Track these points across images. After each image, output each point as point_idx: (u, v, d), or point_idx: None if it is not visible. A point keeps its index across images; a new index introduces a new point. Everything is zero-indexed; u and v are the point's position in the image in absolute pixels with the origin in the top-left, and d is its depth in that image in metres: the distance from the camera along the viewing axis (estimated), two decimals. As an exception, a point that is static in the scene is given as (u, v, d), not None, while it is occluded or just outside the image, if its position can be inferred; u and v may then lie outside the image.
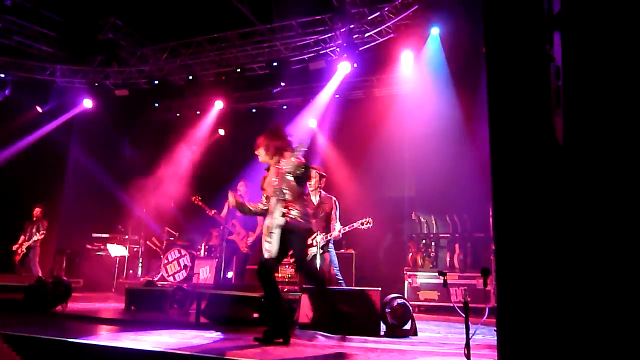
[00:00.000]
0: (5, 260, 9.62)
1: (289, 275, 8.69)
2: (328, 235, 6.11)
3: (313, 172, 6.11)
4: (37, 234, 9.30)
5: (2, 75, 10.77)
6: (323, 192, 6.33)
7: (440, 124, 8.07)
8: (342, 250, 8.64)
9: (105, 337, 4.02)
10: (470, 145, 7.44)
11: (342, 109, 10.92)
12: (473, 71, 7.26)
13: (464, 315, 3.20)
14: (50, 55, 10.91)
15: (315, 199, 6.27)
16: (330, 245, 6.23)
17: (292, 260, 6.70)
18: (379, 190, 10.29)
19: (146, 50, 11.03)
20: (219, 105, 11.73)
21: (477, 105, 7.45)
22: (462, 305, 3.25)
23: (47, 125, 11.59)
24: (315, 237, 6.07)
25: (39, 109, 11.55)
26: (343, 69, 9.68)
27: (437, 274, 7.31)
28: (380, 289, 4.95)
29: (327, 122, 11.05)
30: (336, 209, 6.23)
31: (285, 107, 11.75)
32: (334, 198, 6.31)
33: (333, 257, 6.24)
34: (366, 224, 6.03)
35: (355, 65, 9.34)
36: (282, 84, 10.13)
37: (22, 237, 9.38)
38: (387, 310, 4.90)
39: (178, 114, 12.73)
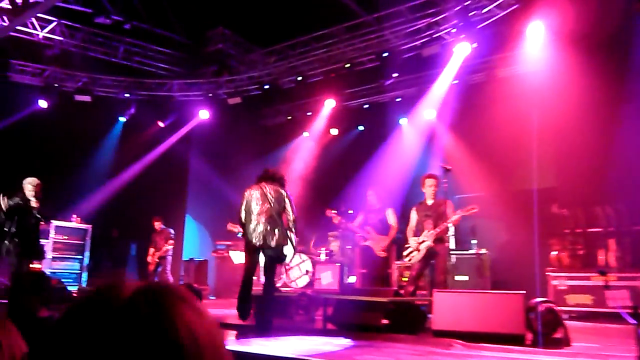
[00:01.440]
0: (138, 272, 10.47)
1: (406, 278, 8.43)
2: (435, 229, 6.14)
3: (429, 181, 6.35)
4: (166, 244, 9.94)
5: (127, 95, 11.74)
6: (438, 196, 6.41)
7: (581, 104, 7.23)
8: (473, 252, 8.12)
9: (235, 343, 4.09)
10: (622, 126, 6.55)
11: (462, 95, 10.33)
12: (623, 39, 6.37)
13: (633, 322, 2.72)
14: (167, 71, 11.69)
15: (429, 202, 6.38)
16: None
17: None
18: (508, 182, 9.57)
19: (254, 56, 11.35)
20: (330, 104, 11.72)
21: (630, 80, 6.54)
22: (628, 310, 2.77)
23: (169, 139, 12.45)
24: (425, 234, 6.19)
25: (161, 124, 12.45)
26: (460, 51, 9.13)
27: (591, 274, 6.55)
28: (524, 292, 4.50)
29: (446, 112, 10.53)
30: (451, 209, 6.24)
31: (399, 99, 11.41)
32: (448, 201, 6.34)
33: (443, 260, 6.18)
34: (471, 210, 5.96)
35: (474, 45, 8.74)
36: (395, 75, 9.81)
37: (151, 249, 10.09)
38: (532, 316, 4.48)
39: (289, 117, 12.95)
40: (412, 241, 6.37)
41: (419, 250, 6.27)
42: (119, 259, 10.69)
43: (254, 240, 5.24)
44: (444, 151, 10.31)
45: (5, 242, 6.30)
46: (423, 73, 10.67)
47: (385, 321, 5.18)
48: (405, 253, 6.48)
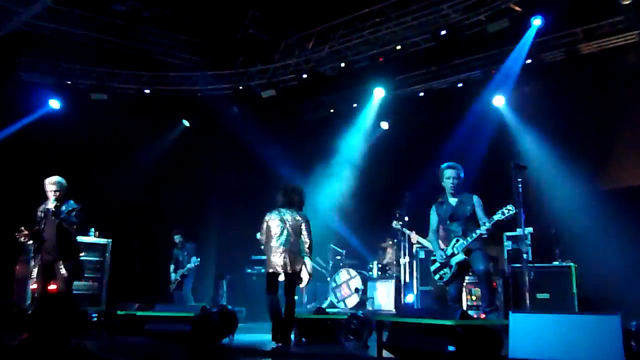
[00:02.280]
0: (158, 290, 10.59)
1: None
2: (468, 237, 6.00)
3: (449, 172, 6.24)
4: (191, 260, 10.01)
5: (147, 91, 11.96)
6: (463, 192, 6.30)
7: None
8: (557, 264, 7.81)
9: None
10: None
11: (536, 77, 10.03)
12: None
13: None
14: (191, 63, 11.85)
15: (453, 200, 6.24)
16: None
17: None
18: (598, 179, 9.20)
19: (290, 41, 11.35)
20: (378, 93, 11.59)
21: None
22: None
23: (194, 139, 12.61)
24: (454, 244, 6.12)
25: (186, 123, 12.61)
26: (533, 24, 8.88)
27: None
28: (620, 313, 4.27)
29: (518, 97, 10.23)
30: (480, 207, 6.09)
31: (460, 84, 11.16)
32: (474, 197, 6.18)
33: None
34: (507, 213, 5.79)
35: (550, 17, 8.47)
36: (455, 56, 9.63)
37: (173, 266, 10.19)
38: (633, 343, 4.38)
39: (332, 110, 12.90)
40: (439, 254, 6.25)
41: (450, 267, 6.14)
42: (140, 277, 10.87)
43: (271, 270, 6.26)
44: (516, 145, 10.01)
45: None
46: (489, 53, 10.43)
47: (451, 348, 5.02)
48: (432, 268, 6.34)
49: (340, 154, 12.22)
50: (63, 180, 6.70)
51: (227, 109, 12.36)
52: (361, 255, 11.03)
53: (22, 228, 6.41)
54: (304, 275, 6.30)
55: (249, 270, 11.68)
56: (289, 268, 6.21)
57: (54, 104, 11.52)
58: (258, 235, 6.63)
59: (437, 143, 10.07)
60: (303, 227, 6.36)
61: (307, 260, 6.31)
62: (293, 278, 6.25)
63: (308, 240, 6.33)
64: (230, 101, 12.23)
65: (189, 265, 9.94)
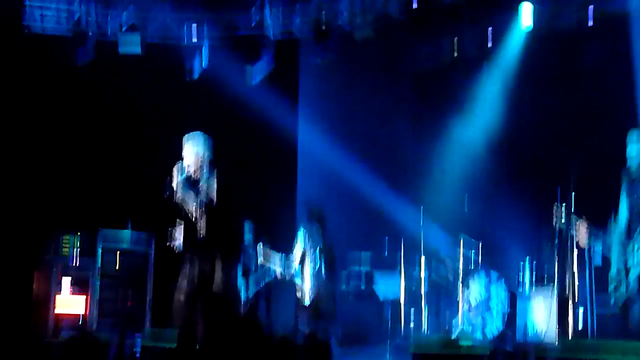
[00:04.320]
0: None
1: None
2: None
3: None
4: (264, 264, 10.03)
5: (195, 40, 12.09)
6: None
7: None
8: None
9: None
10: None
11: None
12: None
13: None
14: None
15: None
16: None
17: None
18: None
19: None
20: (526, 18, 11.10)
21: None
22: None
23: (263, 101, 12.62)
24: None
25: (251, 80, 12.62)
26: None
27: None
28: None
29: None
30: None
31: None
32: None
33: None
34: None
35: None
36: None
37: (242, 275, 10.26)
38: None
39: (455, 54, 12.58)
40: (615, 266, 6.19)
41: (627, 285, 6.07)
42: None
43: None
44: None
45: None
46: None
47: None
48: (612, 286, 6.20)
49: (469, 115, 12.05)
50: (200, 136, 6.37)
51: (306, 56, 12.31)
52: (506, 256, 10.82)
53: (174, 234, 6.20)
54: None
55: (344, 288, 11.63)
56: None
57: (76, 60, 11.81)
58: None
59: (621, 91, 9.68)
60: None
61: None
62: None
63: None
64: (311, 47, 12.14)
65: (268, 279, 10.01)
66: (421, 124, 12.17)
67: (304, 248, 8.83)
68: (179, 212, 6.00)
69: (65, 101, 11.62)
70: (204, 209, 5.84)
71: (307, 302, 8.77)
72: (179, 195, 5.87)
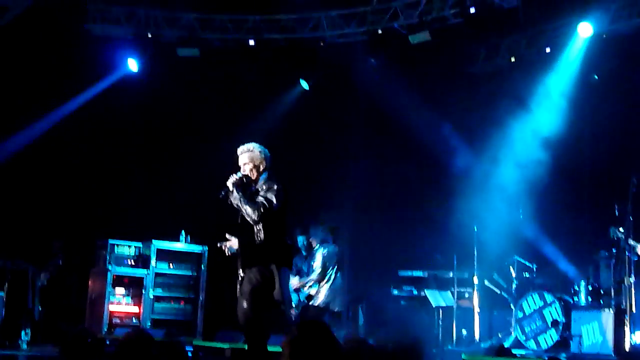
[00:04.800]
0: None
1: None
2: None
3: None
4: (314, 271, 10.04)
5: (252, 43, 12.18)
6: None
7: None
8: None
9: None
10: None
11: None
12: None
13: None
14: (309, 1, 11.91)
15: None
16: None
17: None
18: None
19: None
20: (585, 30, 10.93)
21: None
22: None
23: (317, 105, 12.75)
24: None
25: (304, 85, 12.68)
26: None
27: None
28: None
29: None
30: None
31: None
32: None
33: None
34: None
35: None
36: None
37: (295, 277, 10.28)
38: None
39: (512, 58, 12.45)
40: None
41: None
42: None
43: None
44: None
45: None
46: None
47: None
48: None
49: (524, 121, 11.80)
50: (256, 146, 6.23)
51: (361, 62, 12.33)
52: (562, 273, 10.67)
53: (227, 236, 6.10)
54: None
55: (396, 292, 11.58)
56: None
57: (132, 64, 12.04)
58: None
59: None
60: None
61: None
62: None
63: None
64: (366, 51, 12.16)
65: (308, 278, 9.98)
66: (476, 133, 11.98)
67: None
68: (234, 214, 6.02)
69: (125, 106, 11.82)
70: (261, 211, 5.82)
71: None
72: (234, 196, 5.88)
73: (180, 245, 10.77)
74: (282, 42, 12.33)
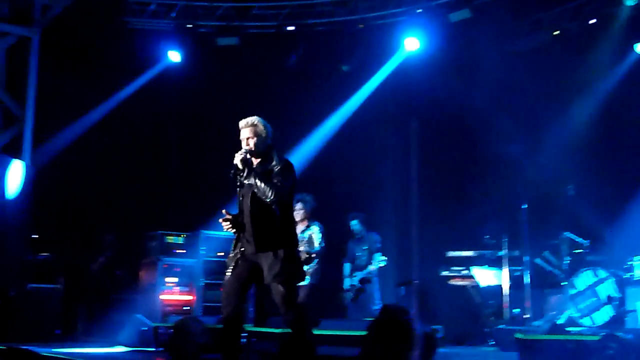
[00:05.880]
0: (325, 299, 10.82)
1: None
2: None
3: None
4: (373, 258, 10.09)
5: (292, 28, 12.19)
6: None
7: None
8: None
9: None
10: None
11: None
12: None
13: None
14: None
15: None
16: None
17: None
18: None
19: None
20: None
21: None
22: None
23: (358, 90, 12.74)
24: None
25: (345, 68, 12.65)
26: None
27: None
28: None
29: None
30: None
31: None
32: None
33: None
34: None
35: None
36: None
37: (349, 265, 10.31)
38: None
39: (555, 32, 12.25)
40: None
41: None
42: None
43: None
44: None
45: None
46: None
47: None
48: None
49: (570, 96, 11.81)
50: (260, 120, 5.97)
51: (400, 43, 12.27)
52: (614, 248, 10.43)
53: (224, 212, 5.80)
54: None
55: (445, 273, 11.53)
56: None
57: (174, 56, 12.14)
58: None
59: None
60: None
61: None
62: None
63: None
64: (407, 31, 12.10)
65: (371, 267, 10.04)
66: (521, 110, 11.87)
67: None
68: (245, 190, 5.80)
69: (168, 97, 11.95)
70: (278, 191, 5.60)
71: None
72: (246, 175, 5.67)
73: (226, 233, 10.91)
74: (321, 27, 12.35)
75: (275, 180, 5.64)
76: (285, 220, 5.82)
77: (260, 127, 5.89)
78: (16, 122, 10.81)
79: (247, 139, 5.82)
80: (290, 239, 5.84)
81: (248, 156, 5.74)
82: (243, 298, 5.83)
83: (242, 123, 5.89)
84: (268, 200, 5.61)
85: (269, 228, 5.72)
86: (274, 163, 5.76)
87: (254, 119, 5.91)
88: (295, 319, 5.73)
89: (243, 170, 5.68)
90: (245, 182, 5.69)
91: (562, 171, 11.29)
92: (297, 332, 5.76)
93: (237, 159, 5.70)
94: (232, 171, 5.73)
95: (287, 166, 5.79)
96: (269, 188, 5.57)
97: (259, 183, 5.59)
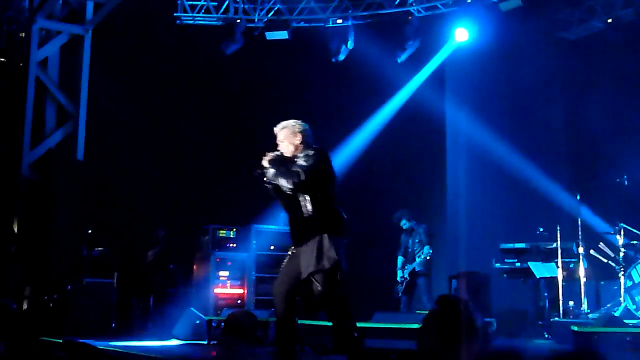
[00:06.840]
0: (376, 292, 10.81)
1: None
2: None
3: None
4: (423, 250, 10.06)
5: (340, 21, 12.20)
6: None
7: None
8: None
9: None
10: None
11: None
12: None
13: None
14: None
15: None
16: None
17: None
18: None
19: None
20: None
21: None
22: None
23: (410, 82, 12.71)
24: None
25: (399, 59, 12.63)
26: None
27: None
28: None
29: None
30: None
31: None
32: None
33: None
34: None
35: None
36: None
37: (401, 258, 10.32)
38: None
39: (609, 20, 12.00)
40: None
41: None
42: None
43: None
44: None
45: None
46: None
47: None
48: None
49: (621, 83, 11.59)
50: (291, 123, 6.04)
51: (450, 33, 12.16)
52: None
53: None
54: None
55: (498, 265, 11.43)
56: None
57: (228, 48, 12.25)
58: None
59: None
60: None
61: None
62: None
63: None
64: (456, 21, 11.96)
65: (420, 259, 10.05)
66: (572, 98, 11.72)
67: None
68: (273, 189, 5.90)
69: (217, 92, 12.07)
70: (295, 178, 5.60)
71: None
72: (271, 172, 5.73)
73: (277, 227, 11.00)
74: (370, 19, 12.34)
75: (293, 169, 5.64)
76: (319, 210, 5.74)
77: (290, 128, 5.93)
78: (70, 119, 11.03)
79: (280, 142, 5.93)
80: (323, 225, 5.70)
81: (278, 158, 5.81)
82: (294, 294, 5.89)
83: (275, 129, 5.98)
84: (289, 188, 5.64)
85: (301, 221, 5.77)
86: (300, 155, 5.78)
87: (286, 122, 5.98)
88: (333, 311, 5.76)
89: (267, 170, 5.77)
90: (269, 180, 5.76)
91: (617, 159, 11.13)
92: (339, 325, 5.77)
93: (265, 160, 5.80)
94: (258, 171, 5.82)
95: (310, 152, 5.77)
96: (286, 176, 5.61)
97: (276, 178, 5.67)
